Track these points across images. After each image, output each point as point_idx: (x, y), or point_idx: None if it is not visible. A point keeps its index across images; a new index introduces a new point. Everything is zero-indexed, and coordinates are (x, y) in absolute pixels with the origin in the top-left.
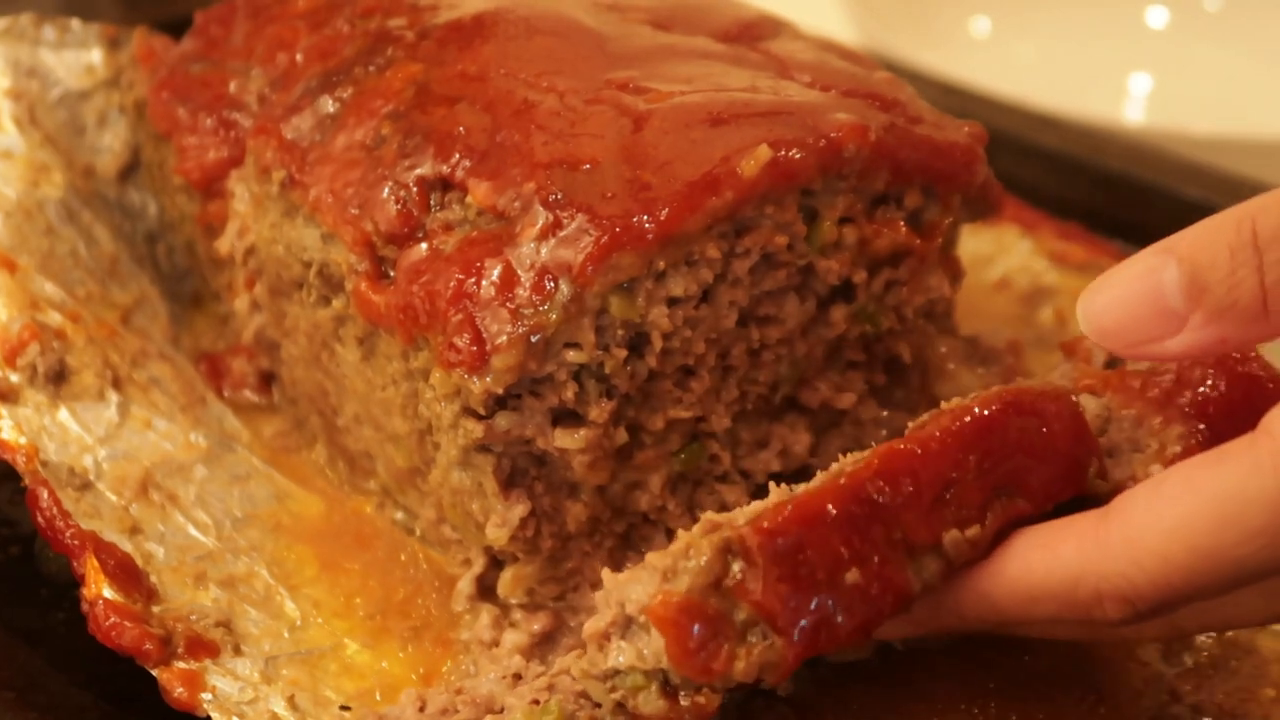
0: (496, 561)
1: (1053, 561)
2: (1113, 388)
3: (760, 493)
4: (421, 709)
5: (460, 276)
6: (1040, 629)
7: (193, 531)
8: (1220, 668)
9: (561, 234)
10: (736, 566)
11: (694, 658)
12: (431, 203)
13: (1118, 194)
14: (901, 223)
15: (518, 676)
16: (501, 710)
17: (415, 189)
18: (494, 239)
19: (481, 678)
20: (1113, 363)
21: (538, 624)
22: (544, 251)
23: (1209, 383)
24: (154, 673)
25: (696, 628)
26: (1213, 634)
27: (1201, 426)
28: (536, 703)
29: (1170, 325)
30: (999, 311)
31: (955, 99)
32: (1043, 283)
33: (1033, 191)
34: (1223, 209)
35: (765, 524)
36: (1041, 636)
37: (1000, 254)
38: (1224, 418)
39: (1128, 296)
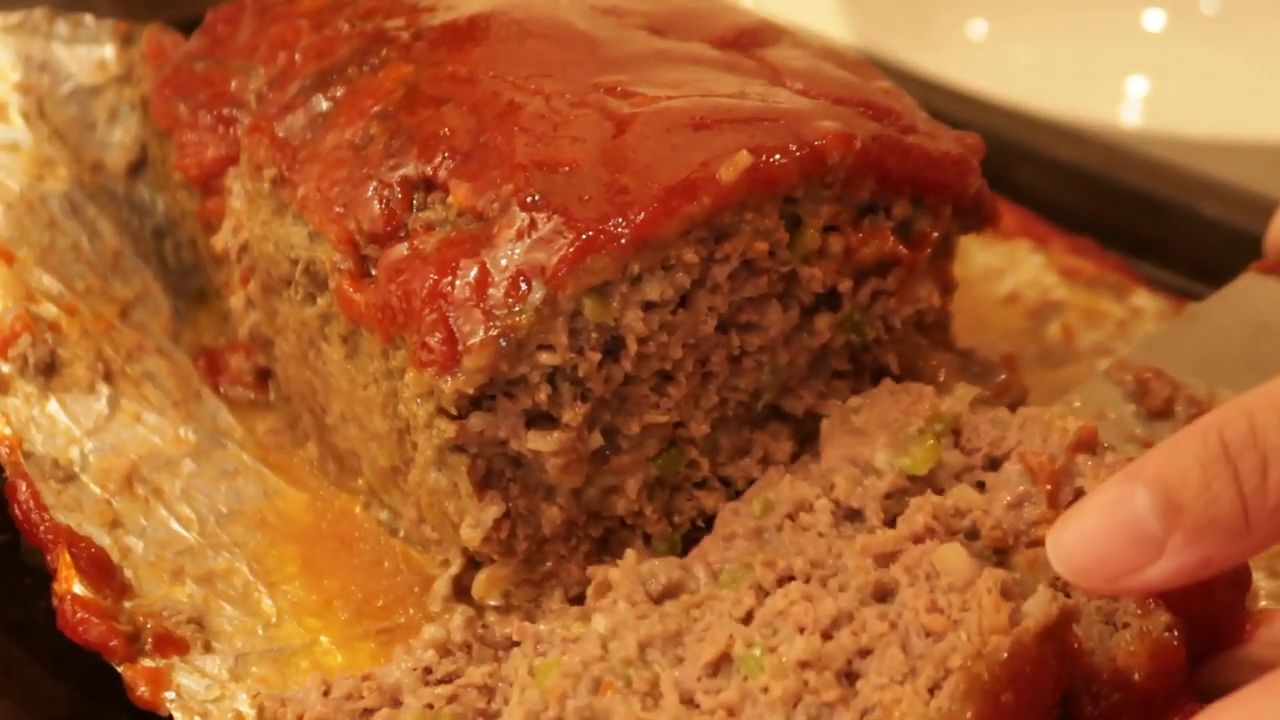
0: (474, 563)
1: None
2: None
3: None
4: (326, 693)
5: (436, 276)
6: None
7: (175, 526)
8: None
9: (536, 235)
10: None
11: None
12: (414, 203)
13: (1135, 210)
14: (889, 232)
15: (428, 670)
16: (401, 704)
17: (399, 189)
18: (472, 240)
19: (392, 666)
20: None
21: (509, 627)
22: (519, 253)
23: None
24: (119, 669)
25: None
26: None
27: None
28: (431, 707)
29: (1149, 552)
30: (1007, 325)
31: (975, 111)
32: (1051, 298)
33: (1049, 206)
34: (1238, 226)
35: None
36: None
37: (1011, 268)
38: (1184, 602)
39: (1099, 528)
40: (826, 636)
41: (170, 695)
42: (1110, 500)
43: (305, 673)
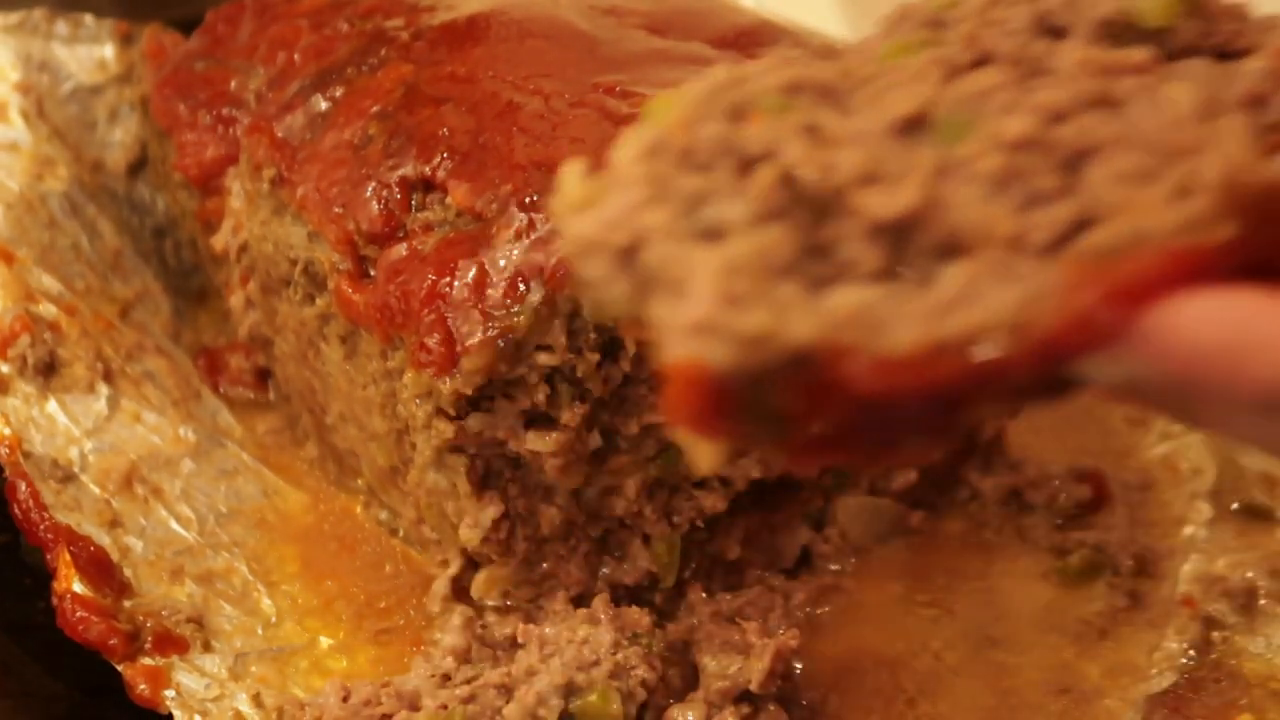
0: (473, 563)
1: None
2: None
3: (739, 499)
4: (345, 699)
5: (434, 277)
6: (1208, 403)
7: (174, 526)
8: (1200, 689)
9: (535, 236)
10: None
11: None
12: (413, 203)
13: None
14: None
15: (446, 677)
16: (419, 709)
17: (398, 189)
18: (471, 240)
19: (412, 674)
20: None
21: (509, 627)
22: (517, 253)
23: None
24: (119, 668)
25: None
26: (1195, 654)
27: None
28: (444, 707)
29: None
30: None
31: None
32: None
33: None
34: None
35: None
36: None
37: None
38: None
39: None
40: (1044, 123)
41: (170, 693)
42: None
43: (305, 672)
